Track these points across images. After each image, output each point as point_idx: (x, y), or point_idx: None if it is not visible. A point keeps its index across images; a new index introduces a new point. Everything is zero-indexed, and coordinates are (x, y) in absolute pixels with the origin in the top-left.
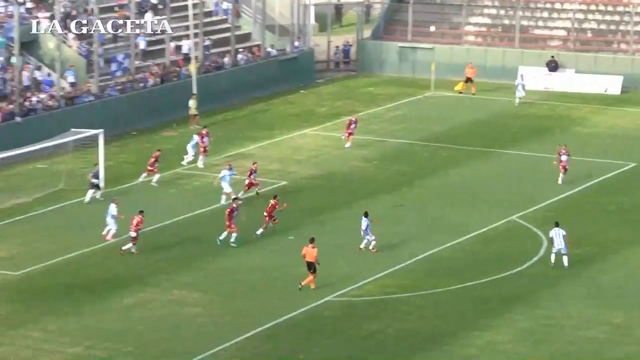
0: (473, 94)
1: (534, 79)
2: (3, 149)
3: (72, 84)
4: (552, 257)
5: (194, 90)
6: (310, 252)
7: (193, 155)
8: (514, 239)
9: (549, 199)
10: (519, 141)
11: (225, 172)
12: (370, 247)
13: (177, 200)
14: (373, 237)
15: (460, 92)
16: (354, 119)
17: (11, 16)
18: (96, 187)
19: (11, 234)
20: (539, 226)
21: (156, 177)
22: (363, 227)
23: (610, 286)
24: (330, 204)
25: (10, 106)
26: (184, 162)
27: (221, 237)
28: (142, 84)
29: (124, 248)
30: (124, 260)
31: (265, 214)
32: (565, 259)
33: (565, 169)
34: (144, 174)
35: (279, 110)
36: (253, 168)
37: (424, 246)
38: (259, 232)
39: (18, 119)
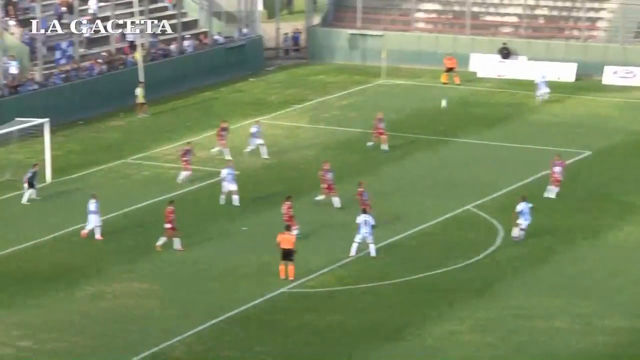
0: (458, 84)
1: (486, 66)
2: None
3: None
4: (516, 231)
5: (141, 78)
6: (287, 239)
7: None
8: (471, 228)
9: (506, 187)
10: (475, 129)
11: (225, 171)
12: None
13: (126, 190)
14: (372, 240)
15: (445, 84)
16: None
17: None
18: (32, 186)
19: None
20: (496, 215)
21: (183, 174)
22: (371, 223)
23: (575, 276)
24: (286, 193)
25: None
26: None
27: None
28: (87, 72)
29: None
30: (82, 250)
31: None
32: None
33: (559, 182)
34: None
35: (228, 98)
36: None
37: (381, 235)
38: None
39: None
